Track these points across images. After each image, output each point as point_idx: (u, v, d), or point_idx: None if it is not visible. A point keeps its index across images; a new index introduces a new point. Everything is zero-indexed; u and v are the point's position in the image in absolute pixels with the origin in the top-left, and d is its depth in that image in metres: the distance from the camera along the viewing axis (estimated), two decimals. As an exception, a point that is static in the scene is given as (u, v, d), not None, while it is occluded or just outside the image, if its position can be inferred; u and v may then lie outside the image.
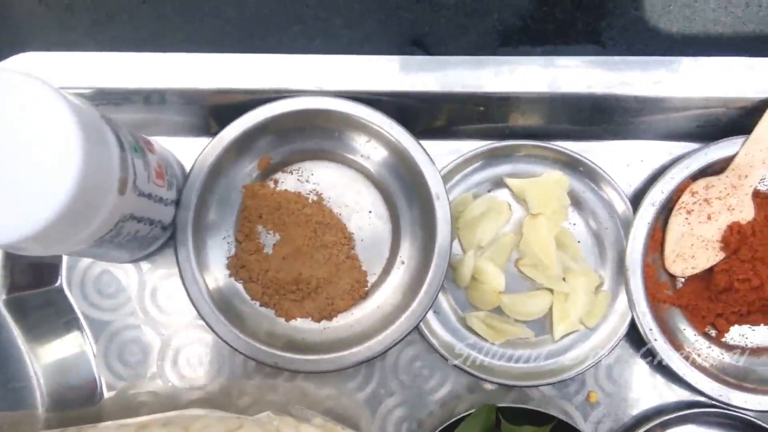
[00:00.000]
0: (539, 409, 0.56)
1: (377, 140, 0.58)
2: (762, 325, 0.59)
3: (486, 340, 0.59)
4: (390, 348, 0.55)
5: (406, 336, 0.55)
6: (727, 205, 0.58)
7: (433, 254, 0.56)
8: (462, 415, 0.56)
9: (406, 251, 0.59)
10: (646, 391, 0.60)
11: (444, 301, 0.60)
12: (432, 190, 0.56)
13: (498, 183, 0.61)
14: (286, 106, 0.57)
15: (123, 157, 0.46)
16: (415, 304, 0.56)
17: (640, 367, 0.60)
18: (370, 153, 0.59)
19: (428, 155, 0.57)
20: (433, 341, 0.58)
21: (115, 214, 0.46)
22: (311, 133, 0.59)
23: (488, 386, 0.59)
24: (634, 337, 0.58)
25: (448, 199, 0.57)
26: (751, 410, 0.56)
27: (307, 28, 0.63)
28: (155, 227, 0.54)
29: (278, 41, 0.63)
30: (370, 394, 0.60)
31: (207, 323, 0.56)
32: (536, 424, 0.56)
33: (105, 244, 0.49)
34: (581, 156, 0.60)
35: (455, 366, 0.58)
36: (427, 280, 0.56)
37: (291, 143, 0.59)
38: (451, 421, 0.56)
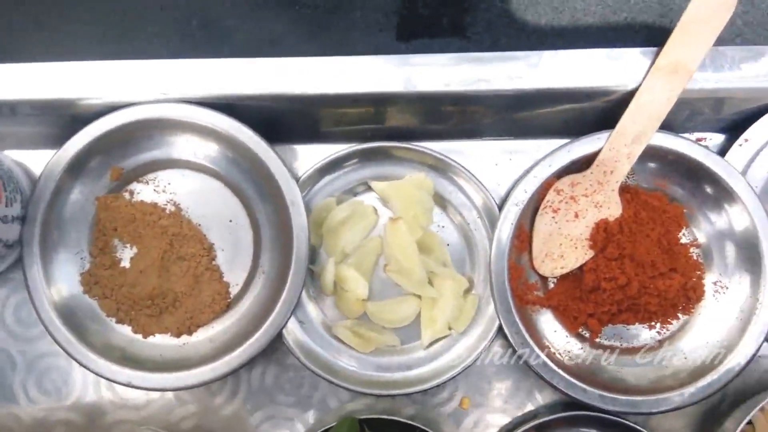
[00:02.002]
0: (402, 420, 0.54)
1: (229, 147, 0.56)
2: (637, 324, 0.58)
3: (354, 350, 0.58)
4: (248, 362, 0.54)
5: (264, 348, 0.54)
6: (594, 202, 0.56)
7: (291, 263, 0.54)
8: (325, 428, 0.54)
9: (267, 260, 0.57)
10: (519, 394, 0.59)
11: (312, 311, 0.58)
12: (286, 197, 0.55)
13: (365, 186, 0.59)
14: (131, 115, 0.55)
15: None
16: (273, 315, 0.54)
17: (512, 370, 0.59)
18: (225, 160, 0.57)
19: (282, 160, 0.55)
20: (298, 352, 0.56)
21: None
22: (162, 142, 0.57)
23: None
24: (507, 340, 0.57)
25: (304, 205, 0.56)
26: (624, 412, 0.54)
27: (163, 30, 0.60)
28: (-6, 246, 0.52)
29: (132, 44, 0.60)
30: (236, 408, 0.58)
31: (58, 343, 0.54)
32: (402, 435, 0.54)
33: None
34: (446, 157, 0.58)
35: (321, 377, 0.56)
36: (285, 290, 0.54)
37: (142, 152, 0.57)
38: (311, 435, 0.54)
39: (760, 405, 0.52)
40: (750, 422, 0.53)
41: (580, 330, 0.58)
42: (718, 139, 0.60)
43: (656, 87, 0.54)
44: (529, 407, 0.59)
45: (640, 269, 0.55)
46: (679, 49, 0.54)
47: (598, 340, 0.58)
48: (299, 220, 0.54)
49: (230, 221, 0.58)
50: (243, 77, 0.55)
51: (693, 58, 0.54)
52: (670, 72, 0.54)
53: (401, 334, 0.58)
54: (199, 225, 0.58)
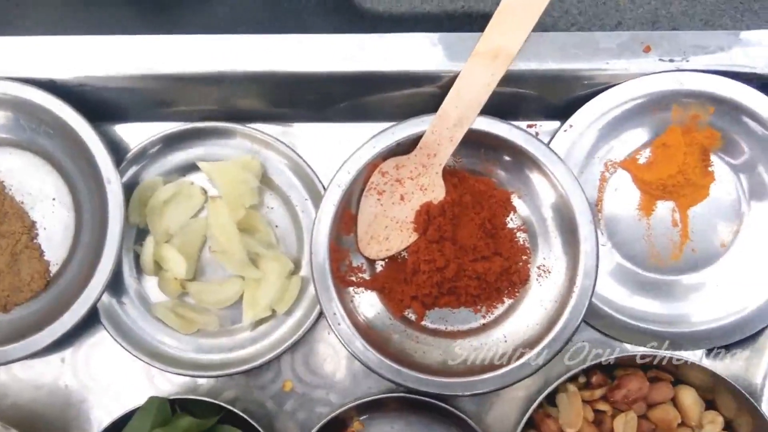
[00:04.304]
0: (218, 402, 0.53)
1: (51, 125, 0.56)
2: (462, 308, 0.57)
3: (176, 330, 0.57)
4: (60, 340, 0.53)
5: (74, 328, 0.53)
6: (419, 185, 0.57)
7: (105, 241, 0.54)
8: (132, 408, 0.53)
9: (87, 238, 0.57)
10: (345, 378, 0.58)
11: (134, 291, 0.58)
12: (103, 174, 0.54)
13: (194, 166, 0.59)
14: (-54, 89, 0.54)
15: None
16: (83, 295, 0.53)
17: (338, 354, 0.58)
18: (47, 138, 0.57)
19: (99, 137, 0.54)
20: (114, 333, 0.56)
21: None
22: (-17, 118, 0.56)
23: None
24: (332, 323, 0.56)
25: (131, 183, 0.55)
26: (439, 394, 0.53)
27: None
28: None
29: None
30: (56, 387, 0.58)
31: None
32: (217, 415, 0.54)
33: None
34: (277, 139, 0.58)
35: (138, 358, 0.55)
36: (98, 269, 0.53)
37: (-37, 128, 0.57)
38: (119, 416, 0.53)
39: (556, 384, 0.52)
40: (555, 404, 0.53)
41: (405, 313, 0.58)
42: (551, 126, 0.61)
43: (476, 71, 0.55)
44: (353, 390, 0.58)
45: (461, 252, 0.55)
46: (498, 35, 0.54)
47: (423, 323, 0.58)
48: (115, 198, 0.54)
49: (53, 200, 0.57)
50: (69, 55, 0.55)
51: (513, 43, 0.54)
52: (490, 57, 0.54)
53: (227, 315, 0.58)
54: (22, 203, 0.57)
